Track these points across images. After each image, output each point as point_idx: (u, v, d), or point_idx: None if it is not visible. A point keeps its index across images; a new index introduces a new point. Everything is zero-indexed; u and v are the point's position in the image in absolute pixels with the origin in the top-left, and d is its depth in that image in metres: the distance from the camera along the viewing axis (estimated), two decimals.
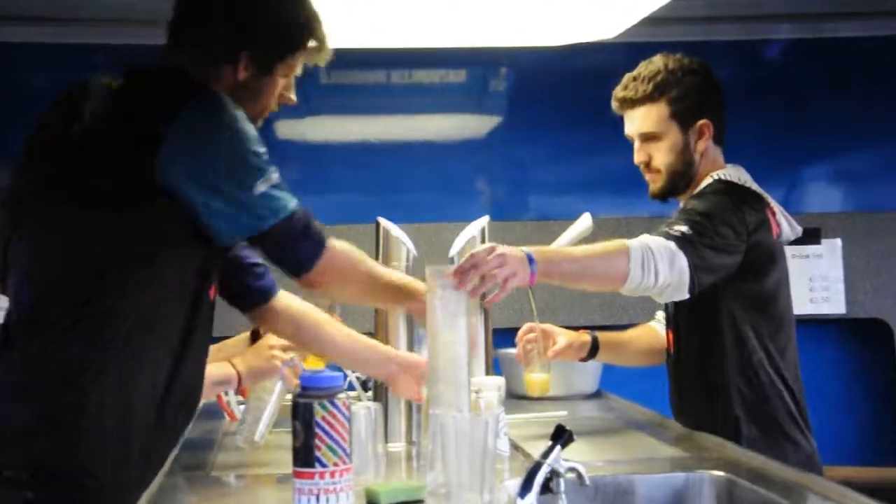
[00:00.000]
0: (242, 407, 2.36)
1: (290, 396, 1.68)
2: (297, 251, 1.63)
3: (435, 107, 3.67)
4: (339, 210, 3.52)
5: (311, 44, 1.71)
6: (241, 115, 1.57)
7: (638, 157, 2.22)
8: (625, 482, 1.73)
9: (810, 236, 3.50)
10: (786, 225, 2.18)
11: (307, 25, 1.70)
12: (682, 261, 1.94)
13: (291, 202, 1.59)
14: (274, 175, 1.57)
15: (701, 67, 2.19)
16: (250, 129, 1.57)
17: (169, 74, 1.62)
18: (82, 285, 1.53)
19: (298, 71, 1.74)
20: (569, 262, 1.91)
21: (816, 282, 3.54)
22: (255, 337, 2.09)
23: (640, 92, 2.18)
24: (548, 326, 2.31)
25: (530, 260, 1.83)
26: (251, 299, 1.86)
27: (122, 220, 1.53)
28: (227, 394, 2.39)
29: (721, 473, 1.73)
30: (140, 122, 1.54)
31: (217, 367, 1.95)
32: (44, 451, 1.49)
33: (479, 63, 3.61)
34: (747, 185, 2.16)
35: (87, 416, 1.50)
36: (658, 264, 1.92)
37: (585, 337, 2.35)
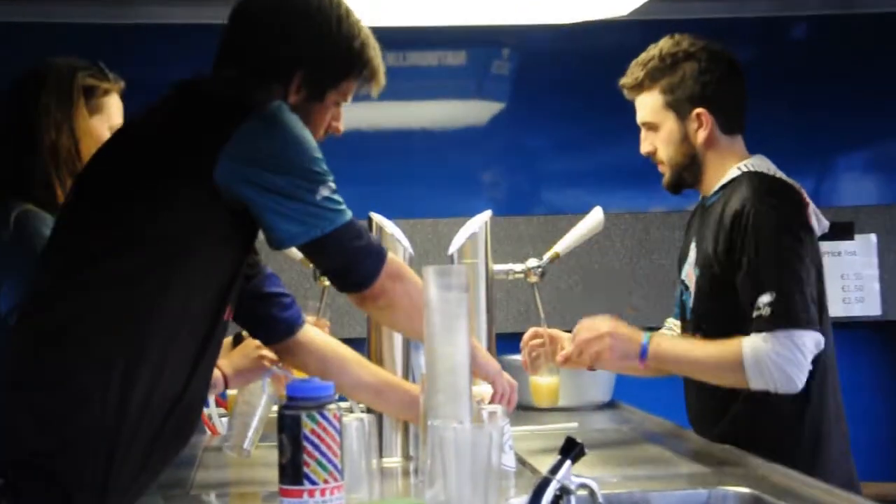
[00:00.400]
0: (225, 420, 2.37)
1: (275, 408, 1.68)
2: (359, 261, 1.69)
3: (432, 92, 3.67)
4: None
5: (366, 72, 1.80)
6: (300, 121, 1.65)
7: (642, 147, 2.27)
8: (641, 499, 1.74)
9: (843, 231, 3.50)
10: (814, 219, 2.19)
11: (363, 52, 1.79)
12: (803, 339, 2.02)
13: (349, 211, 1.67)
14: (332, 183, 1.65)
15: (702, 51, 2.20)
16: (310, 137, 1.66)
17: (229, 85, 1.69)
18: (100, 278, 1.57)
19: (349, 99, 1.82)
20: (682, 366, 2.13)
21: (849, 281, 3.54)
22: (237, 343, 2.10)
23: (633, 79, 2.22)
24: (555, 331, 2.33)
25: (644, 350, 2.09)
26: (278, 331, 1.91)
27: (154, 214, 1.58)
28: (207, 405, 2.40)
29: (746, 490, 1.74)
30: (202, 126, 1.61)
31: None
32: (33, 450, 1.51)
33: (481, 44, 3.61)
34: (778, 175, 2.18)
35: (87, 412, 1.52)
36: (786, 371, 2.02)
37: None
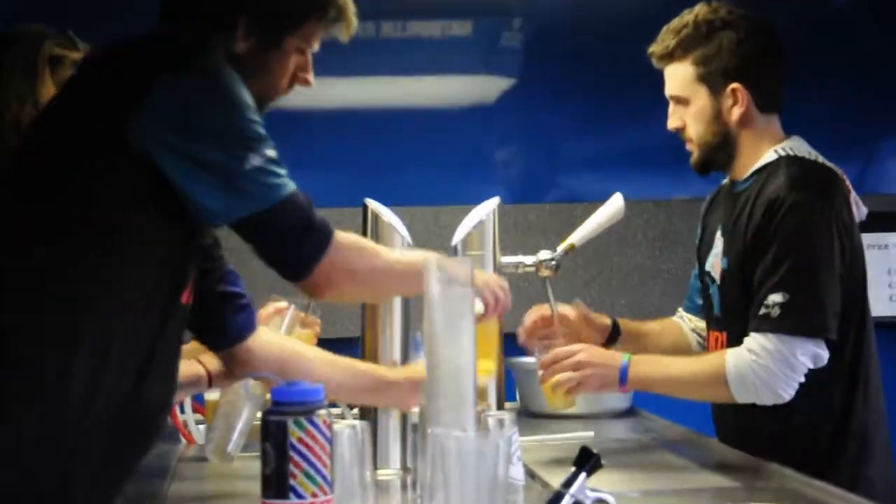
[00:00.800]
0: (202, 427, 2.36)
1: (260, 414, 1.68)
2: (298, 246, 1.61)
3: (435, 66, 3.67)
4: (318, 191, 3.46)
5: (332, 12, 1.72)
6: (233, 76, 1.57)
7: (670, 122, 2.27)
8: None
9: (890, 221, 3.49)
10: (854, 208, 2.19)
11: None
12: (800, 350, 2.06)
13: (290, 184, 1.59)
14: (270, 150, 1.57)
15: (743, 20, 2.19)
16: (244, 95, 1.56)
17: (154, 40, 1.64)
18: (23, 267, 1.51)
19: (316, 46, 1.74)
20: (663, 385, 2.20)
21: None
22: None
23: (663, 47, 2.22)
24: (564, 308, 2.34)
25: (623, 371, 2.15)
26: (231, 335, 1.86)
27: (76, 191, 1.53)
28: (182, 411, 2.40)
29: None
30: (117, 86, 1.56)
31: (182, 367, 1.95)
32: None
33: (489, 12, 3.61)
34: (819, 161, 2.18)
35: (20, 417, 1.48)
36: (772, 386, 2.06)
37: (605, 319, 2.39)
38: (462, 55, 3.66)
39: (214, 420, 1.98)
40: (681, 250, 3.51)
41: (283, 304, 2.08)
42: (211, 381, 1.98)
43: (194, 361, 1.97)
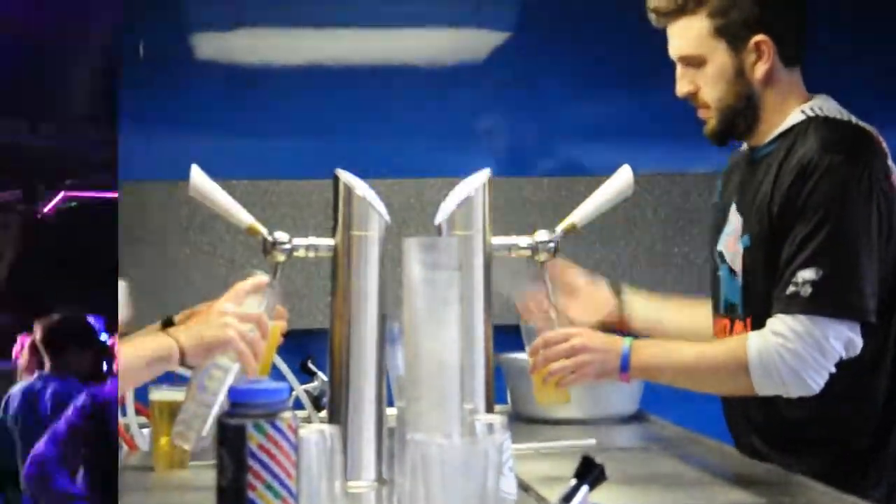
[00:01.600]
0: (146, 431, 2.36)
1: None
2: None
3: (417, 18, 3.66)
4: (284, 160, 3.51)
5: None
6: None
7: (679, 87, 2.26)
8: None
9: None
10: (893, 175, 2.21)
11: None
12: (833, 333, 2.06)
13: None
14: None
15: None
16: None
17: None
18: None
19: None
20: (673, 374, 2.19)
21: None
22: (167, 326, 2.07)
23: (671, 1, 2.20)
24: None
25: (625, 358, 2.14)
26: None
27: None
28: (123, 413, 2.40)
29: None
30: None
31: (152, 340, 1.91)
32: None
33: None
34: (853, 120, 2.19)
35: None
36: (801, 375, 2.06)
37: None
38: (448, 5, 3.65)
39: (185, 402, 1.96)
40: (696, 231, 3.52)
41: (263, 278, 2.04)
42: (184, 356, 1.94)
43: (162, 333, 1.92)
